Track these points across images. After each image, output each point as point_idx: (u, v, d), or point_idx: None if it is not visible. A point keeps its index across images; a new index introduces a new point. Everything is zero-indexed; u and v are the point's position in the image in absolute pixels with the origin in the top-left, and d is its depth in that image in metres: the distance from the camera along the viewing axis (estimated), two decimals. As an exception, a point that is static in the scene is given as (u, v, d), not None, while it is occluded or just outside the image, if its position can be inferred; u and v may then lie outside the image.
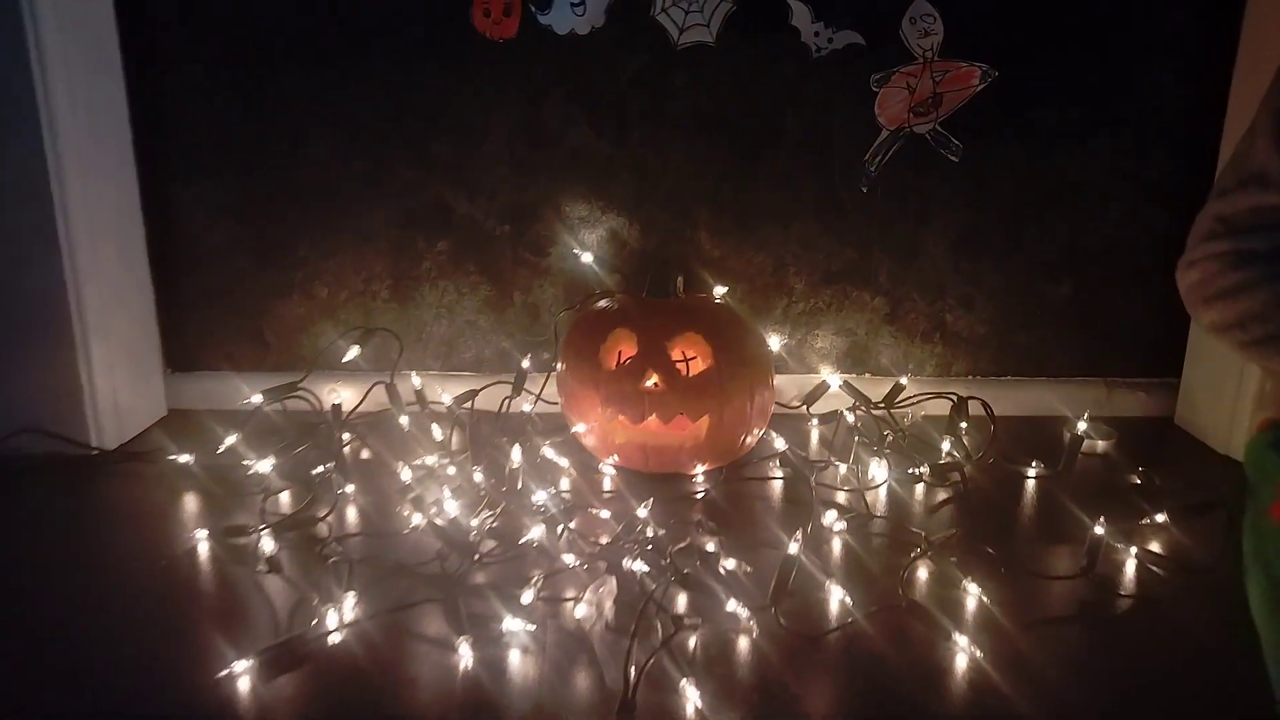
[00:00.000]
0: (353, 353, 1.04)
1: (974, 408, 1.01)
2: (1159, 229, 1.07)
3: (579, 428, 0.92)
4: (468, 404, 1.04)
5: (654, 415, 0.87)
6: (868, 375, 1.13)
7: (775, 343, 1.08)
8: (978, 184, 1.06)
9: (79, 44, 0.91)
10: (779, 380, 1.05)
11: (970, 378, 1.13)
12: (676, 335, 0.88)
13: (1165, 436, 1.09)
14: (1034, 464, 0.97)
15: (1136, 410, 1.13)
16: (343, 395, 1.07)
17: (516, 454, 0.87)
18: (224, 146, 1.03)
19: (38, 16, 0.86)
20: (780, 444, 0.97)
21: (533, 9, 1.00)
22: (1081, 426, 0.99)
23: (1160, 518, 0.85)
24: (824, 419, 1.08)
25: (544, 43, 1.01)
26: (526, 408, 1.05)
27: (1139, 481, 0.94)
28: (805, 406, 1.08)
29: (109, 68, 0.97)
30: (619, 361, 0.88)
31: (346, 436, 1.00)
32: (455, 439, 0.98)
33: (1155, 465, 0.97)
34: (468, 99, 1.03)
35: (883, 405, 1.05)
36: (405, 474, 0.89)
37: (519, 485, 0.87)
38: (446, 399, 1.04)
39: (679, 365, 0.87)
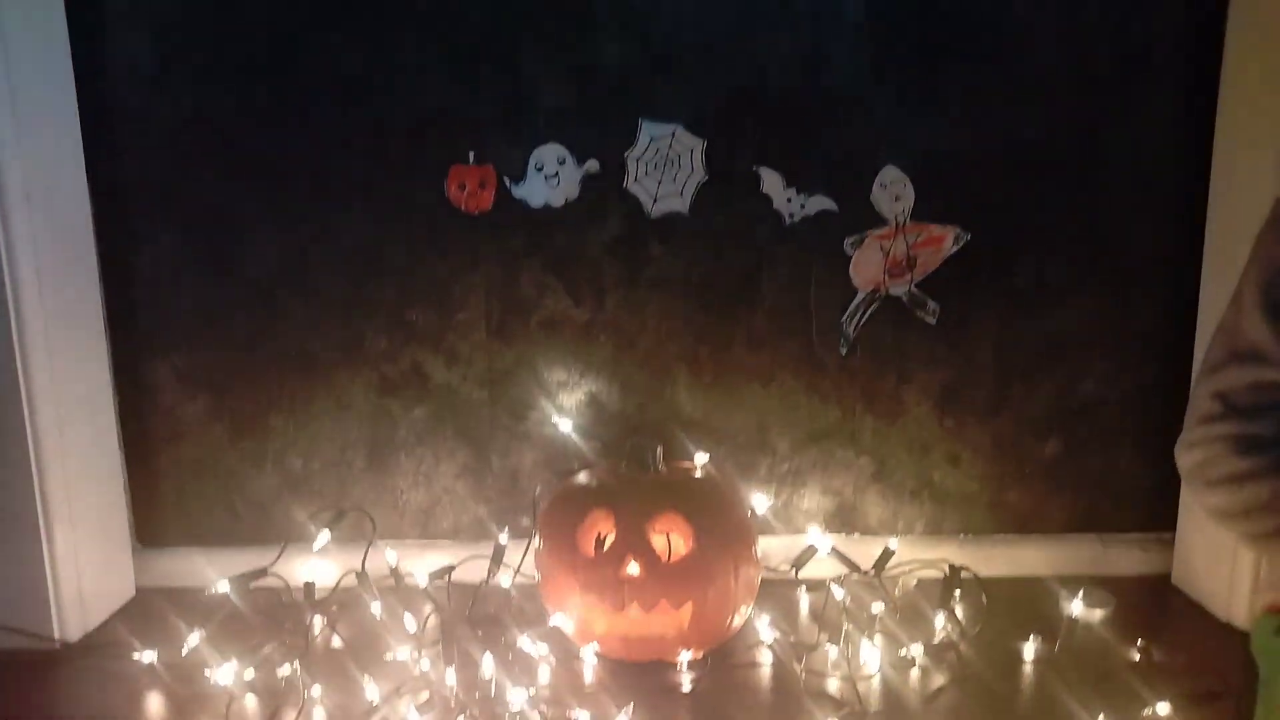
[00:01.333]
0: (323, 539, 1.02)
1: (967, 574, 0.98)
2: (1146, 382, 1.06)
3: (557, 617, 0.89)
4: (442, 579, 1.01)
5: (635, 603, 0.84)
6: (857, 535, 1.10)
7: (761, 503, 1.05)
8: (958, 342, 1.05)
9: (49, 227, 0.91)
10: (766, 543, 1.03)
11: (962, 536, 1.10)
12: (656, 515, 0.85)
13: (1164, 599, 1.05)
14: (1031, 639, 0.93)
15: (1133, 568, 1.09)
16: (315, 569, 1.03)
17: (489, 663, 0.84)
18: (198, 318, 1.03)
19: (6, 197, 0.87)
20: (766, 634, 0.93)
21: (507, 183, 1.01)
22: (1077, 608, 0.96)
23: (1163, 708, 0.81)
24: (812, 586, 1.04)
25: (519, 214, 1.01)
26: (505, 581, 1.02)
27: (1138, 658, 0.91)
28: (794, 571, 1.05)
29: (81, 246, 0.97)
30: (598, 544, 0.85)
31: (318, 620, 0.97)
32: (429, 624, 0.94)
33: (1154, 635, 0.94)
34: (443, 268, 1.03)
35: (872, 572, 1.02)
36: (371, 690, 0.84)
37: (492, 692, 0.83)
38: (421, 578, 1.01)
39: (659, 550, 0.84)
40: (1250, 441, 0.71)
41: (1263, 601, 0.68)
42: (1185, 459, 0.72)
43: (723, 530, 0.87)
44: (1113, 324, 1.04)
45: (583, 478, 0.92)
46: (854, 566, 1.02)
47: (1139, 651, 0.91)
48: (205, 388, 1.05)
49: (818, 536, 1.05)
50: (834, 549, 1.03)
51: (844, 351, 1.05)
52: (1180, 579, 1.07)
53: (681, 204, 1.02)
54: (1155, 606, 1.04)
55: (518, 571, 1.02)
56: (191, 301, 1.02)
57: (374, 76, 0.98)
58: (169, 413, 1.05)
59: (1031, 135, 0.99)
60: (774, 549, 1.07)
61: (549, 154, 1.00)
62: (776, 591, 1.04)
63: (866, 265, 1.04)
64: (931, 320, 1.04)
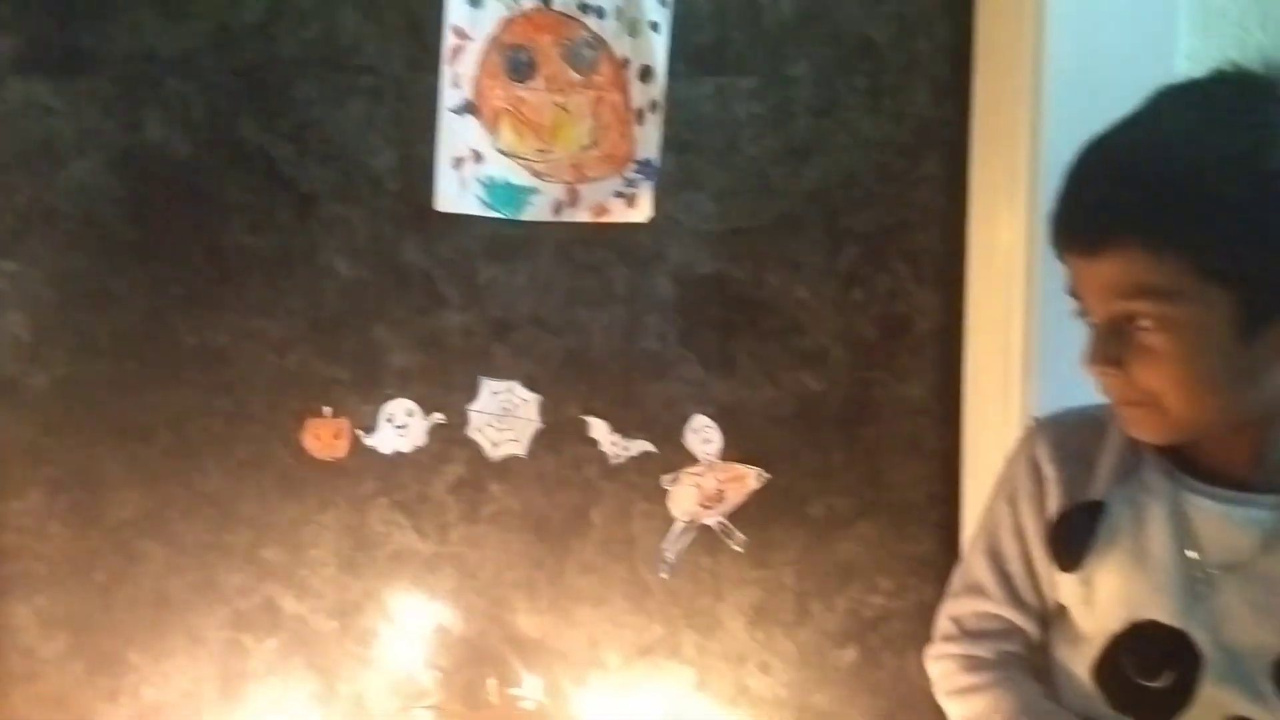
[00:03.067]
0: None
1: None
2: (926, 598, 1.21)
3: None
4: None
5: (459, 841, 0.92)
6: (683, 740, 1.21)
7: (594, 717, 1.15)
8: (765, 565, 1.20)
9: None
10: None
11: (776, 738, 1.22)
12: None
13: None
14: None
15: (926, 762, 1.23)
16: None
17: None
18: (62, 565, 1.09)
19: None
20: None
21: (359, 433, 1.12)
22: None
23: None
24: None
25: (370, 459, 1.13)
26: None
27: None
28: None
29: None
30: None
31: None
32: None
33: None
34: (297, 510, 1.12)
35: (691, 781, 1.13)
36: None
37: None
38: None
39: (482, 789, 0.94)
40: (975, 662, 0.91)
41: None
42: (930, 669, 0.93)
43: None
44: (893, 549, 1.21)
45: (416, 716, 1.01)
46: (675, 777, 1.13)
47: None
48: (65, 628, 1.10)
49: (644, 747, 1.15)
50: (658, 759, 1.14)
51: (664, 575, 1.19)
52: (965, 772, 1.21)
53: (519, 448, 1.15)
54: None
55: (362, 798, 1.09)
56: (55, 550, 1.09)
57: (240, 346, 1.09)
58: (28, 653, 1.10)
59: (816, 390, 1.17)
60: (607, 758, 1.17)
61: (398, 408, 1.12)
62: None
63: (683, 499, 1.18)
64: (739, 549, 1.19)
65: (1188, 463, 0.79)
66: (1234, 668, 0.74)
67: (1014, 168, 1.01)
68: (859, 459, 1.19)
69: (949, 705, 0.89)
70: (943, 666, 0.90)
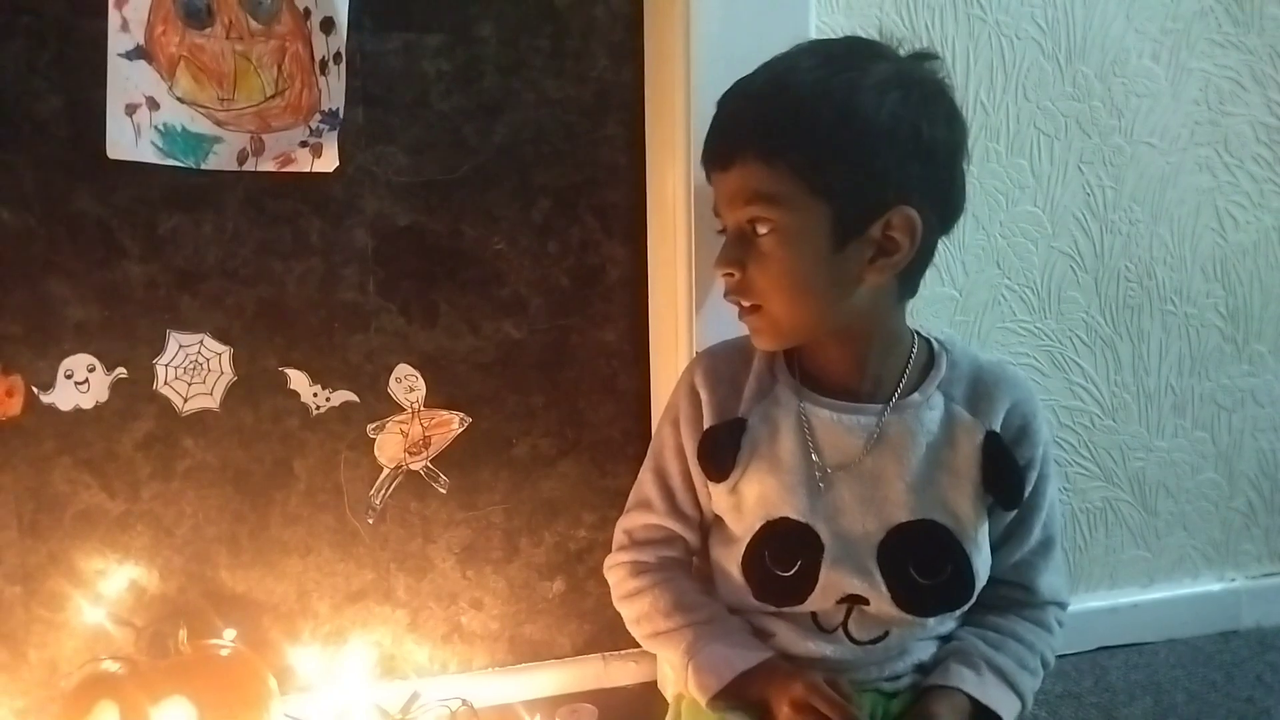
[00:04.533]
0: None
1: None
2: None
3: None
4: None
5: (137, 785, 0.93)
6: (397, 681, 1.25)
7: (308, 665, 1.17)
8: (473, 507, 1.25)
9: None
10: (312, 702, 1.15)
11: (489, 670, 1.29)
12: (162, 699, 0.95)
13: (648, 703, 1.29)
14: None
15: (629, 678, 1.33)
16: None
17: None
18: None
19: None
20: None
21: (35, 390, 1.08)
22: None
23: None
24: (352, 733, 1.17)
25: (49, 417, 1.09)
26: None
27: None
28: (339, 723, 1.17)
29: None
30: (105, 732, 0.94)
31: None
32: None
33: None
34: (-33, 474, 1.07)
35: (399, 716, 1.17)
36: None
37: None
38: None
39: (162, 733, 0.94)
40: (639, 566, 1.02)
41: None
42: (607, 578, 1.02)
43: (230, 702, 0.98)
44: (595, 485, 1.29)
45: (100, 667, 1.00)
46: (383, 712, 1.16)
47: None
48: None
49: (354, 692, 1.18)
50: (370, 701, 1.17)
51: (371, 521, 1.22)
52: (661, 683, 1.33)
53: (212, 402, 1.14)
54: (640, 710, 1.28)
55: (48, 762, 1.06)
56: None
57: (-115, 299, 1.03)
58: None
59: (516, 338, 1.23)
60: (320, 705, 1.19)
61: (78, 363, 1.09)
62: (319, 743, 1.16)
63: (389, 446, 1.22)
64: (442, 491, 1.23)
65: (809, 378, 0.92)
66: (847, 552, 0.88)
67: (674, 129, 1.11)
68: (559, 401, 1.27)
69: (621, 609, 0.99)
70: (615, 575, 1.01)
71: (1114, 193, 1.33)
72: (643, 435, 1.29)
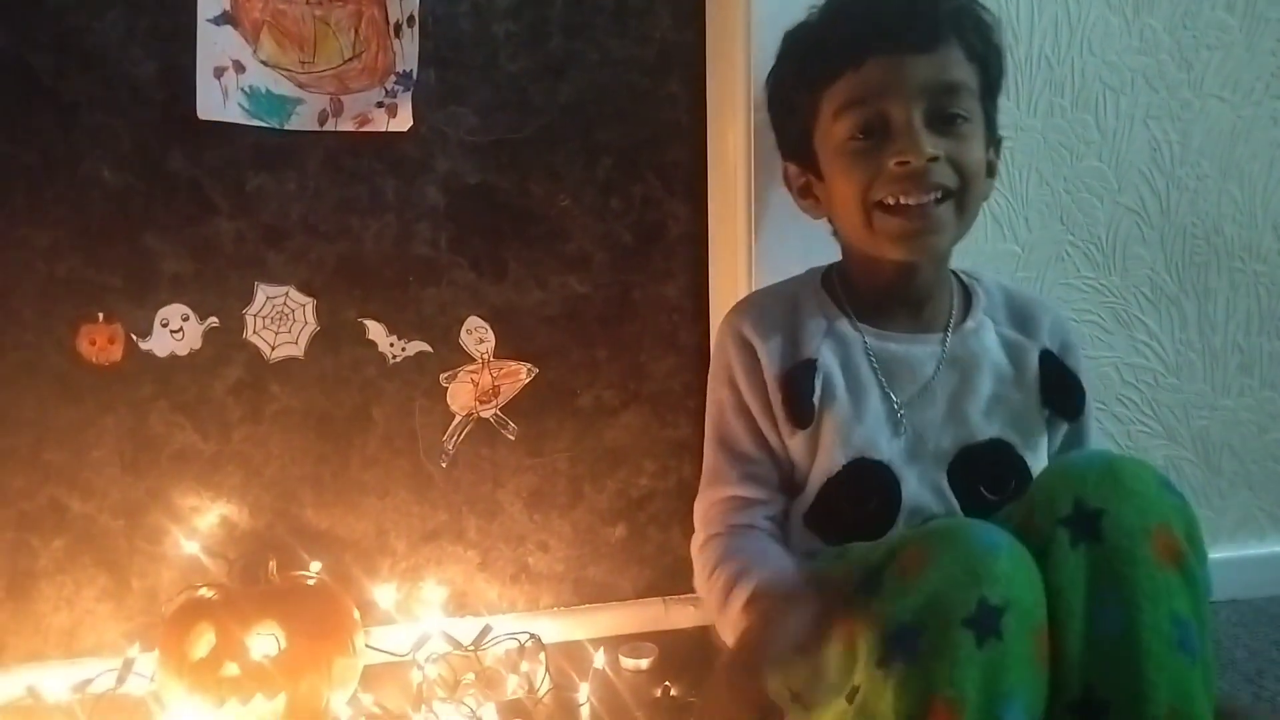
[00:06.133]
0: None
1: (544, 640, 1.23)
2: (685, 476, 1.35)
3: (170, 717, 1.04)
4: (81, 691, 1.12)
5: (233, 698, 1.01)
6: (469, 617, 1.32)
7: (385, 598, 1.25)
8: (539, 454, 1.31)
9: None
10: (390, 633, 1.22)
11: (554, 609, 1.35)
12: (254, 623, 1.03)
13: (706, 646, 1.34)
14: (582, 688, 1.18)
15: (689, 621, 1.38)
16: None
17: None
18: None
19: None
20: (360, 712, 1.11)
21: (134, 337, 1.16)
22: (624, 660, 1.23)
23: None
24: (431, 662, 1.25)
25: (147, 364, 1.17)
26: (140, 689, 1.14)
27: (658, 694, 1.18)
28: (412, 655, 1.25)
29: None
30: (206, 653, 1.02)
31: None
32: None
33: (687, 675, 1.21)
34: (76, 413, 1.16)
35: (472, 648, 1.24)
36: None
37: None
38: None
39: (255, 652, 1.02)
40: (716, 546, 1.00)
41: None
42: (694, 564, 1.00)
43: (318, 629, 1.06)
44: (655, 435, 1.34)
45: (197, 593, 1.08)
46: (456, 644, 1.24)
47: (662, 691, 1.19)
48: None
49: (432, 623, 1.26)
50: (443, 632, 1.24)
51: (444, 465, 1.28)
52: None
53: (297, 350, 1.21)
54: (697, 653, 1.33)
55: (152, 679, 1.15)
56: None
57: (5, 254, 1.11)
58: None
59: (581, 292, 1.28)
60: (400, 637, 1.26)
61: (173, 312, 1.17)
62: (399, 673, 1.23)
63: (461, 395, 1.28)
64: (511, 438, 1.29)
65: (865, 312, 0.94)
66: (922, 481, 0.90)
67: (734, 88, 1.13)
68: (622, 354, 1.31)
69: (702, 594, 0.99)
70: (697, 561, 1.00)
71: (1181, 148, 1.31)
72: (701, 388, 1.31)
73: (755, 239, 1.16)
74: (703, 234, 1.28)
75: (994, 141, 0.91)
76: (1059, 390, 0.91)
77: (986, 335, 0.93)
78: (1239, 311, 1.37)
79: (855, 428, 0.90)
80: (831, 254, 1.01)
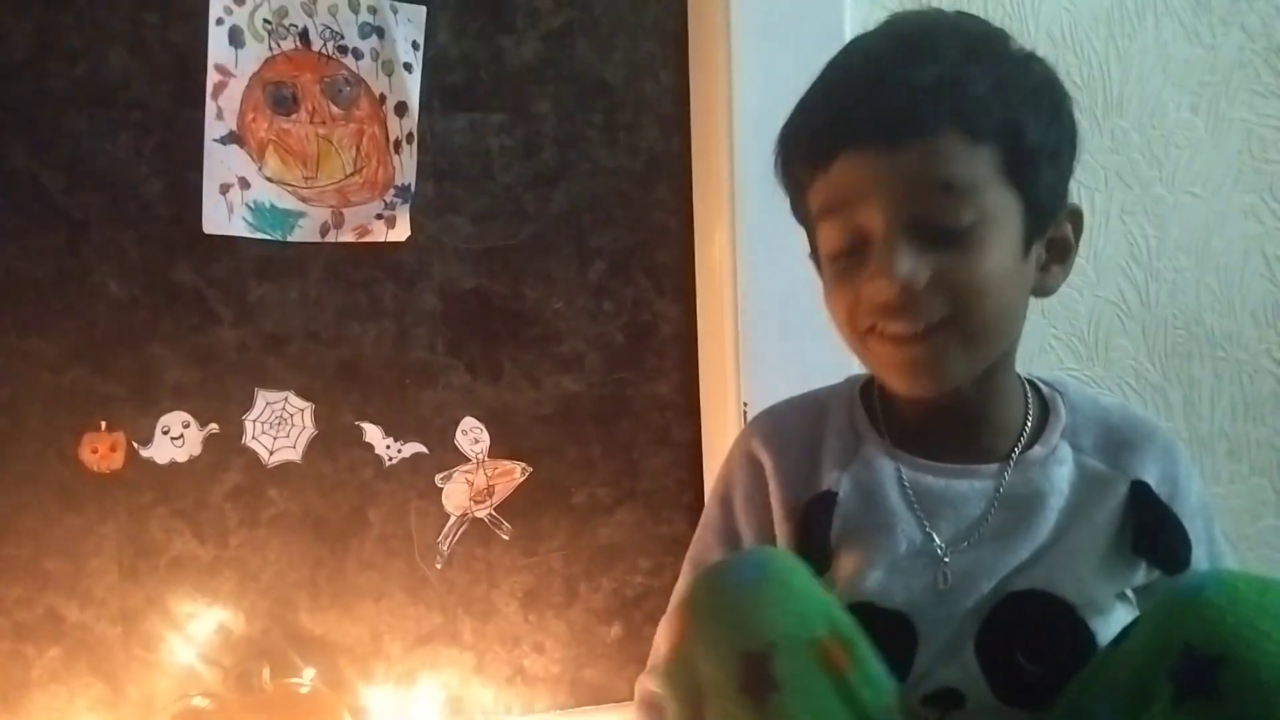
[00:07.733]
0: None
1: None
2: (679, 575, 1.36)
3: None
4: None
5: (224, 813, 1.00)
6: (464, 720, 1.31)
7: (381, 704, 1.24)
8: (534, 553, 1.31)
9: None
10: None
11: (551, 712, 1.34)
12: (249, 734, 1.03)
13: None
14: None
15: (688, 723, 1.37)
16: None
17: None
18: None
19: None
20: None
21: (136, 445, 1.18)
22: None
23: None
24: (421, 770, 1.23)
25: (147, 471, 1.19)
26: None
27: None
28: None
29: None
30: (197, 764, 1.01)
31: None
32: None
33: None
34: (77, 521, 1.17)
35: (466, 754, 1.23)
36: None
37: None
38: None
39: (247, 764, 1.01)
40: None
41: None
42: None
43: (310, 739, 1.05)
44: (650, 532, 1.34)
45: (190, 704, 1.08)
46: (451, 751, 1.22)
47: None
48: None
49: (425, 727, 1.25)
50: (437, 737, 1.23)
51: (439, 566, 1.29)
52: (719, 730, 1.35)
53: (295, 454, 1.23)
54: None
55: (143, 792, 1.14)
56: None
57: (13, 365, 1.14)
58: None
59: (574, 391, 1.30)
60: (391, 742, 1.26)
61: (174, 419, 1.19)
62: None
63: (456, 495, 1.29)
64: (505, 537, 1.30)
65: (904, 435, 0.76)
66: (943, 639, 0.72)
67: (720, 194, 1.18)
68: (615, 451, 1.33)
69: None
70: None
71: (1158, 241, 1.35)
72: (695, 484, 1.34)
73: (743, 336, 1.18)
74: (692, 333, 1.31)
75: (1050, 218, 0.70)
76: (1154, 535, 0.71)
77: (1057, 468, 0.73)
78: (1224, 399, 1.39)
79: (870, 573, 0.73)
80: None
